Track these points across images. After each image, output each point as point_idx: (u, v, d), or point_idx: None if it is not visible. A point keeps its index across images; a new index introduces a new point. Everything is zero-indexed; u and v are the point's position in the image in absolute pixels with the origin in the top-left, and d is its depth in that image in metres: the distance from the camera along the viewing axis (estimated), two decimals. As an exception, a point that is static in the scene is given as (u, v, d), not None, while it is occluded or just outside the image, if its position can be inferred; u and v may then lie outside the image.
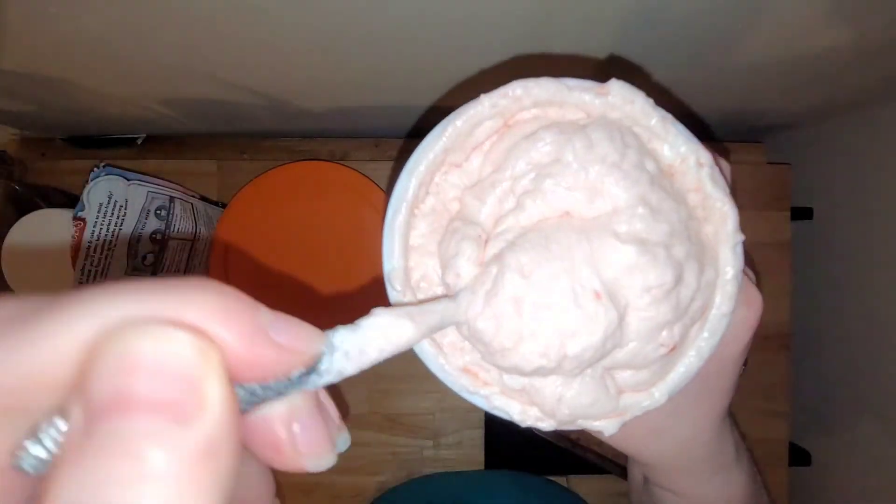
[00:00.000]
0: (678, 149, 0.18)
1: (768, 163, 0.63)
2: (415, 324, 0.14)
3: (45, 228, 0.47)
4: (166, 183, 0.48)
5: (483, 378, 0.19)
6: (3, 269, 0.47)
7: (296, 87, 0.46)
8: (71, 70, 0.40)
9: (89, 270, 0.43)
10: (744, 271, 0.19)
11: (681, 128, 0.18)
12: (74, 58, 0.38)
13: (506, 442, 0.58)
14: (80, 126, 0.57)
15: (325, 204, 0.54)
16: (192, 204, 0.52)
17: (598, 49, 0.37)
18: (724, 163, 0.20)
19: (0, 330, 0.09)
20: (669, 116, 0.18)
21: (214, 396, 0.09)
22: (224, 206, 0.57)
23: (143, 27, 0.33)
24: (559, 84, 0.17)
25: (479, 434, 0.59)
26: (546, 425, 0.19)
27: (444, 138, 0.18)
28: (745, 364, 0.54)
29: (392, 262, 0.19)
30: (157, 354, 0.09)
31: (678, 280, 0.17)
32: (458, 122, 0.18)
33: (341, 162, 0.57)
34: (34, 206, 0.49)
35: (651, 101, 0.18)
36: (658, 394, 0.19)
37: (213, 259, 0.53)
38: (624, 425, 0.19)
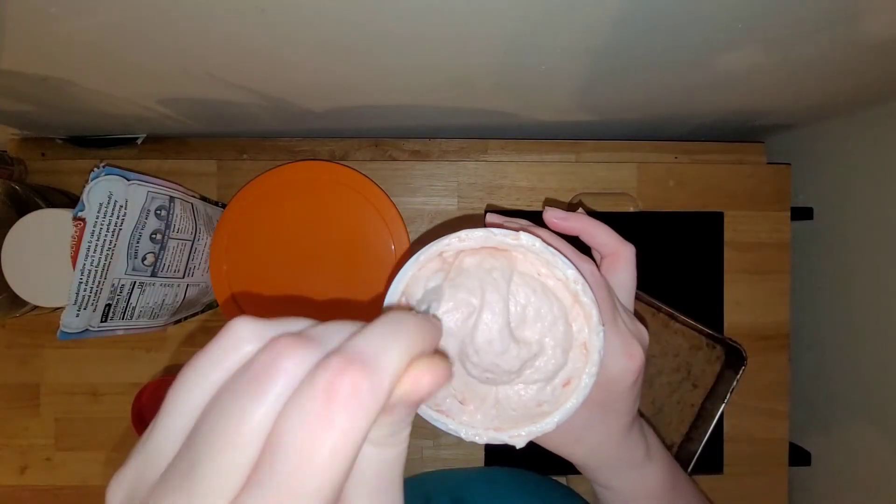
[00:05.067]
0: (563, 272, 0.27)
1: (768, 163, 0.63)
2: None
3: (45, 228, 0.47)
4: (166, 183, 0.48)
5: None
6: (3, 269, 0.47)
7: (296, 88, 0.46)
8: (71, 70, 0.40)
9: (89, 270, 0.43)
10: (630, 330, 0.30)
11: (564, 258, 0.27)
12: (74, 58, 0.38)
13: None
14: (80, 126, 0.57)
15: (325, 204, 0.54)
16: (192, 204, 0.52)
17: (599, 48, 0.38)
18: (591, 269, 0.29)
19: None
20: (558, 252, 0.27)
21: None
22: (224, 206, 0.57)
23: (144, 27, 0.33)
24: (489, 232, 0.27)
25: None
26: (480, 440, 0.27)
27: (419, 260, 0.28)
28: (744, 365, 0.54)
29: None
30: (431, 383, 0.16)
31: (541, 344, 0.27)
32: (426, 254, 0.28)
33: (341, 162, 0.57)
34: (34, 206, 0.49)
35: (544, 244, 0.27)
36: (552, 421, 0.27)
37: (214, 259, 0.53)
38: (545, 436, 0.27)
